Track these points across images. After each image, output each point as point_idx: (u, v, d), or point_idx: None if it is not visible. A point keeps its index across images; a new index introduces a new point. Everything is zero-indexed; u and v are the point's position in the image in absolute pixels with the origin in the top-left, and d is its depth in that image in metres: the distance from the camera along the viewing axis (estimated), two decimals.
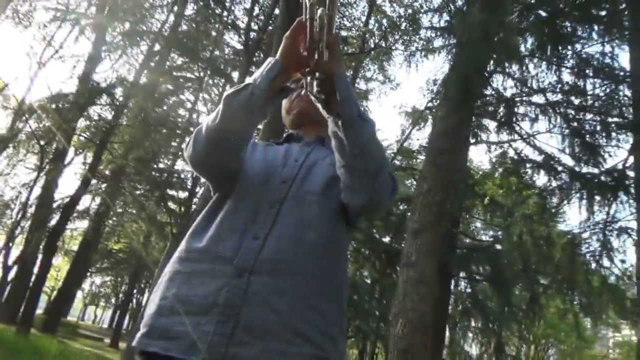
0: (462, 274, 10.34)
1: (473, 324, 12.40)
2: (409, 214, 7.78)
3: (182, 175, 16.30)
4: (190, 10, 13.67)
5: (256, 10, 12.44)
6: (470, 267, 9.49)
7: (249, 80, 1.10)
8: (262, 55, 10.65)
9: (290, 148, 1.29)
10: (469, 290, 10.69)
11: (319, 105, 1.09)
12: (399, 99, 51.30)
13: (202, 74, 13.04)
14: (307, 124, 1.38)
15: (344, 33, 12.56)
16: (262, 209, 1.10)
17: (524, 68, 6.81)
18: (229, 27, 13.75)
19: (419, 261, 4.13)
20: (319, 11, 0.96)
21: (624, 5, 5.64)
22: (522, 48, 6.46)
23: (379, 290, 11.98)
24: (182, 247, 1.12)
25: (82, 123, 13.85)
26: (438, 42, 9.98)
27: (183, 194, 15.80)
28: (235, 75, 13.44)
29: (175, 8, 13.38)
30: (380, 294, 11.78)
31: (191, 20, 13.09)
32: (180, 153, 15.43)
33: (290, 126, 1.43)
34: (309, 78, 1.11)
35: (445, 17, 8.85)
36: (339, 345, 1.02)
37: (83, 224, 17.00)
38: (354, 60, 11.61)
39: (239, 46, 14.13)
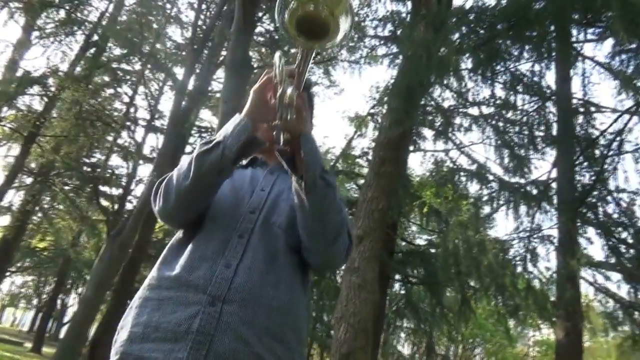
0: (397, 277, 10.66)
1: (406, 324, 12.80)
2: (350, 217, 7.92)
3: (117, 171, 15.66)
4: (131, 0, 13.17)
5: (203, 5, 12.17)
6: (406, 270, 9.81)
7: (218, 137, 1.12)
8: (207, 52, 10.44)
9: (255, 174, 1.32)
10: (402, 292, 11.04)
11: (283, 162, 1.11)
12: (343, 104, 52.10)
13: (142, 67, 12.59)
14: (271, 150, 1.42)
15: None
16: (232, 238, 1.12)
17: (462, 82, 7.16)
18: (172, 20, 13.39)
19: (361, 267, 4.26)
20: (288, 91, 0.99)
21: (552, 28, 6.07)
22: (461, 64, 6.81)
23: (317, 293, 12.09)
24: (153, 274, 1.12)
25: (6, 112, 12.92)
26: (381, 51, 10.28)
27: (117, 191, 15.18)
28: (177, 70, 13.09)
29: None
30: (318, 297, 11.89)
31: (132, 12, 12.60)
32: (115, 148, 14.82)
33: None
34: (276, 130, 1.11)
35: (389, 27, 9.13)
36: None
37: (4, 220, 15.85)
38: None
39: (181, 40, 13.80)
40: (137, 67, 12.99)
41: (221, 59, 11.31)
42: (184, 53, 12.71)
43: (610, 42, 6.85)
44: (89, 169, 14.42)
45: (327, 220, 1.10)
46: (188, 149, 11.62)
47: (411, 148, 8.95)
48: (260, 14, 9.02)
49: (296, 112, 1.04)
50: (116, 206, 13.76)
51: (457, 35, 5.23)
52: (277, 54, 1.05)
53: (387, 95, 5.52)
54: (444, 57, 4.66)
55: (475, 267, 6.51)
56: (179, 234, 1.21)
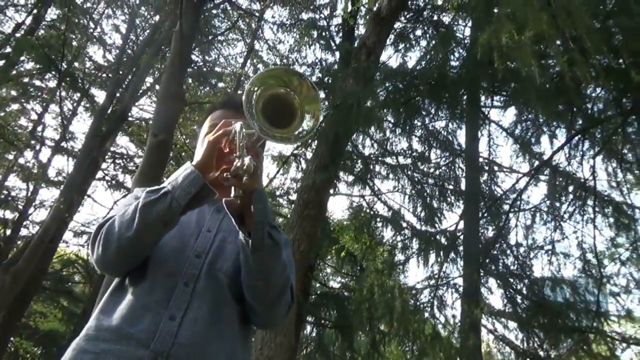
0: (309, 319, 10.63)
1: None
2: None
3: (13, 193, 14.32)
4: (52, 15, 12.51)
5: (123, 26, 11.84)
6: (319, 313, 9.82)
7: (166, 186, 1.06)
8: (131, 77, 10.11)
9: (202, 211, 1.28)
10: (314, 335, 11.00)
11: (231, 217, 1.08)
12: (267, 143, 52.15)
13: (56, 85, 11.85)
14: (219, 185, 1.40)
15: (218, 69, 12.63)
16: (177, 286, 1.07)
17: (384, 133, 7.56)
18: (95, 40, 12.87)
19: None
20: (246, 160, 0.98)
21: (463, 91, 6.67)
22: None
23: None
24: (90, 324, 1.05)
25: None
26: None
27: (11, 215, 13.84)
28: (96, 92, 12.49)
29: (35, 11, 12.12)
30: None
31: (51, 27, 11.96)
32: (15, 167, 13.61)
33: None
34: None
35: (318, 73, 9.48)
36: None
37: None
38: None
39: (102, 62, 13.25)
40: (51, 84, 12.22)
41: (146, 86, 11.05)
42: (104, 75, 12.20)
43: (513, 110, 7.66)
44: None
45: (271, 281, 1.09)
46: (100, 174, 11.03)
47: (331, 192, 9.20)
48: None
49: (252, 174, 1.02)
50: (8, 231, 12.53)
51: (383, 90, 5.58)
52: (239, 124, 1.03)
53: (314, 139, 5.70)
54: (371, 108, 4.93)
55: (388, 312, 6.69)
56: (118, 279, 1.15)
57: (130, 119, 11.37)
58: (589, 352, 6.28)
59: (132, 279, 1.10)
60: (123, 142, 14.51)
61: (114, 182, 11.88)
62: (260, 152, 1.09)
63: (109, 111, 9.59)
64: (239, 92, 11.16)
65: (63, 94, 12.54)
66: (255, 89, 0.97)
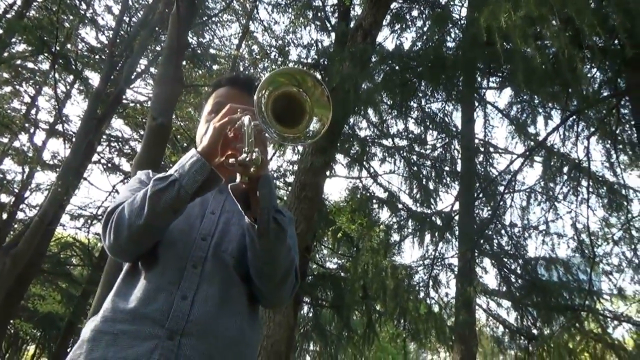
0: (307, 300, 10.76)
1: (312, 347, 12.90)
2: None
3: (9, 177, 14.28)
4: None
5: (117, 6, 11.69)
6: (316, 293, 9.94)
7: (173, 173, 1.08)
8: (126, 59, 10.02)
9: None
10: (311, 315, 11.16)
11: (237, 202, 1.10)
12: None
13: (48, 67, 11.75)
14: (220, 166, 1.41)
15: (213, 51, 12.51)
16: (186, 267, 1.11)
17: (381, 115, 7.56)
18: (87, 21, 12.70)
19: None
20: (255, 154, 0.97)
21: (459, 72, 6.66)
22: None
23: None
24: (106, 306, 1.09)
25: None
26: None
27: (7, 198, 13.83)
28: (90, 74, 12.38)
29: None
30: None
31: (43, 8, 11.78)
32: (10, 151, 13.55)
33: None
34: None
35: (313, 54, 9.42)
36: None
37: None
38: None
39: (95, 43, 13.11)
40: (44, 66, 12.09)
41: (141, 68, 10.96)
42: (97, 57, 12.08)
43: (508, 91, 7.67)
44: None
45: (277, 264, 1.12)
46: (95, 157, 11.00)
47: (327, 174, 9.23)
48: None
49: (260, 164, 1.03)
50: (5, 215, 12.54)
51: (379, 73, 5.57)
52: (247, 118, 1.03)
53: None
54: (368, 92, 4.94)
55: (382, 291, 6.79)
56: (130, 264, 1.18)
57: (125, 101, 11.30)
58: (581, 329, 6.41)
59: (144, 263, 1.14)
60: (118, 125, 14.47)
61: (109, 165, 11.85)
62: (266, 142, 1.10)
63: (104, 94, 9.51)
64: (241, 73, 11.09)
65: (56, 76, 12.44)
66: (269, 89, 0.98)
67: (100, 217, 12.27)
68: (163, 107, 4.42)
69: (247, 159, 0.99)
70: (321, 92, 1.03)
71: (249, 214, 1.09)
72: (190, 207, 1.20)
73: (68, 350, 15.08)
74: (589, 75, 5.17)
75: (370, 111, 7.48)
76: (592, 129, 6.20)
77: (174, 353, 0.99)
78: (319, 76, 1.02)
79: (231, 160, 1.08)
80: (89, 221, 12.34)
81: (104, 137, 11.73)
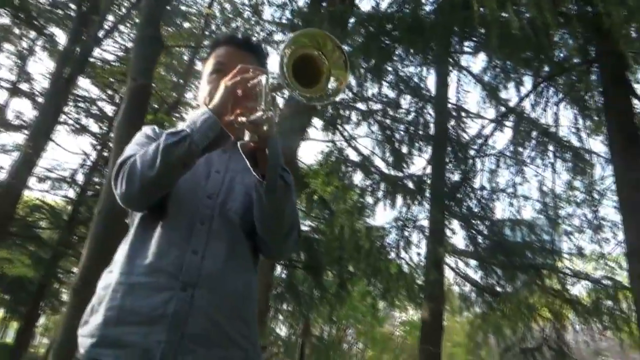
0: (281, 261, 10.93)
1: (285, 307, 13.19)
2: None
3: None
4: None
5: None
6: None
7: (184, 128, 1.12)
8: (93, 16, 9.56)
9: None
10: (284, 276, 11.37)
11: (245, 159, 1.14)
12: None
13: (11, 22, 11.12)
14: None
15: (184, 8, 12.08)
16: (195, 224, 1.16)
17: (356, 79, 7.54)
18: None
19: None
20: (269, 113, 1.03)
21: (435, 36, 6.67)
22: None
23: None
24: (122, 260, 1.14)
25: None
26: (278, 37, 10.33)
27: None
28: (55, 31, 11.79)
29: None
30: None
31: None
32: None
33: None
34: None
35: (287, 14, 9.22)
36: (257, 348, 1.19)
37: None
38: (194, 40, 11.26)
39: None
40: (4, 20, 11.40)
41: (109, 26, 10.49)
42: (61, 12, 11.48)
43: (482, 56, 7.74)
44: None
45: (282, 219, 1.19)
46: (62, 118, 10.62)
47: (302, 137, 9.20)
48: None
49: (270, 123, 1.07)
50: None
51: (358, 35, 5.54)
52: (264, 78, 1.07)
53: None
54: (348, 54, 4.88)
55: (357, 252, 6.97)
56: (142, 219, 1.21)
57: (93, 60, 10.86)
58: (541, 287, 6.77)
59: (154, 220, 1.18)
60: (85, 84, 13.95)
61: (77, 126, 11.49)
62: (276, 101, 1.14)
63: (72, 52, 9.11)
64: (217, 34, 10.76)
65: (18, 31, 11.81)
66: (291, 48, 1.01)
67: (69, 180, 12.01)
68: (143, 67, 4.31)
69: (263, 117, 1.03)
70: (339, 56, 1.06)
71: (257, 171, 1.13)
72: (196, 166, 1.23)
73: (40, 312, 14.98)
74: (561, 42, 5.28)
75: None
76: (562, 95, 6.37)
77: (188, 303, 1.06)
78: (338, 41, 1.05)
79: (241, 118, 1.11)
80: (57, 183, 12.07)
81: (70, 97, 11.30)
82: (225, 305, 1.12)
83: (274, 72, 1.05)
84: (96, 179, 12.67)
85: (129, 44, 11.90)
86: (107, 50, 11.91)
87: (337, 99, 1.10)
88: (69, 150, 19.12)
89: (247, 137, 1.13)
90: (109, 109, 12.70)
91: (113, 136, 4.61)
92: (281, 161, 1.13)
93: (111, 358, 1.02)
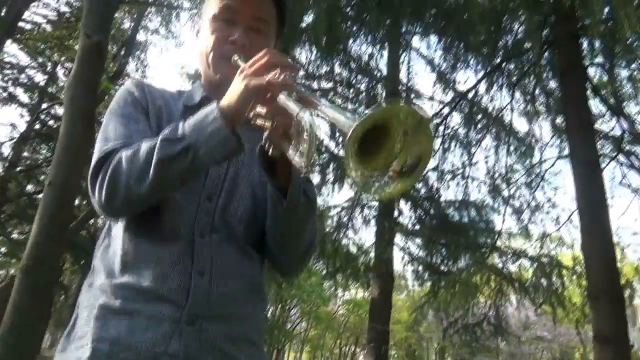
0: None
1: None
2: None
3: None
4: None
5: None
6: None
7: (186, 137, 0.86)
8: None
9: None
10: None
11: (263, 172, 0.94)
12: (182, 58, 48.94)
13: None
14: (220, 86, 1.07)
15: None
16: (195, 235, 0.94)
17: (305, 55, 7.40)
18: None
19: None
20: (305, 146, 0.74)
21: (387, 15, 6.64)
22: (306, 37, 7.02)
23: None
24: (109, 277, 0.93)
25: None
26: None
27: None
28: None
29: None
30: None
31: None
32: None
33: (209, 86, 1.11)
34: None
35: None
36: None
37: None
38: (138, 6, 10.58)
39: None
40: None
41: None
42: None
43: (434, 38, 7.79)
44: None
45: (302, 239, 1.00)
46: None
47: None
48: None
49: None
50: None
51: (315, 11, 5.36)
52: (307, 116, 0.75)
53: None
54: (303, 30, 4.72)
55: None
56: (126, 221, 0.97)
57: (21, 24, 9.94)
58: (484, 265, 7.04)
59: (145, 228, 0.95)
60: (13, 50, 12.84)
61: (6, 95, 10.54)
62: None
63: None
64: None
65: None
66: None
67: None
68: (98, 23, 3.91)
69: (297, 156, 0.78)
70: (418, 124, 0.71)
71: (274, 182, 0.93)
72: None
73: None
74: (515, 25, 5.37)
75: (296, 52, 7.30)
76: (514, 79, 6.54)
77: (197, 339, 0.88)
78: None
79: (259, 121, 0.87)
80: None
81: None
82: (237, 333, 0.94)
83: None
84: (26, 154, 11.76)
85: (64, 8, 11.05)
86: (39, 13, 10.93)
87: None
88: None
89: (265, 140, 0.90)
90: (39, 78, 11.76)
91: (63, 98, 4.19)
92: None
93: None
